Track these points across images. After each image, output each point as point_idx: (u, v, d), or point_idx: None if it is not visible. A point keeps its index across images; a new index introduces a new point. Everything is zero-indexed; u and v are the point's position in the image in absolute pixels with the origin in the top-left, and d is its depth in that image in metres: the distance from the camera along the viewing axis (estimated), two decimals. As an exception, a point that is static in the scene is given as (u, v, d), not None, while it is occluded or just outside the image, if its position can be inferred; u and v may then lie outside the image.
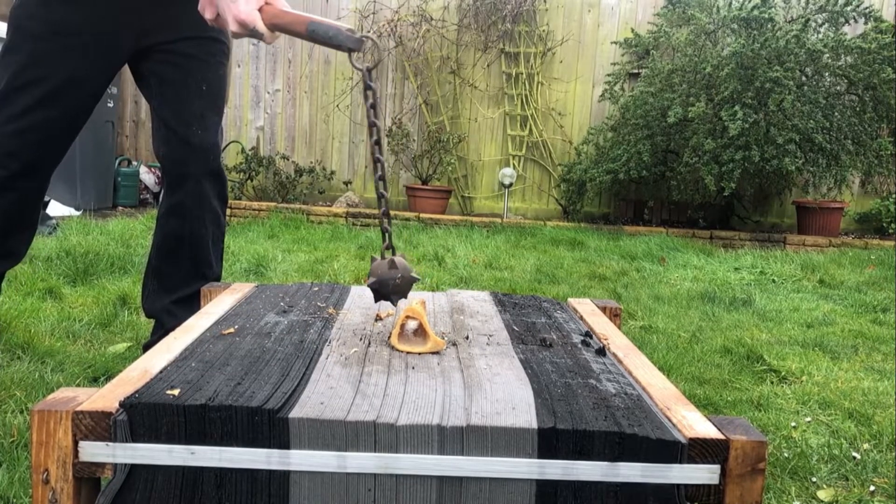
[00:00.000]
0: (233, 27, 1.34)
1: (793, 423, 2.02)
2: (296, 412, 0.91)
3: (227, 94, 2.11)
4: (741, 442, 0.91)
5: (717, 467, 0.91)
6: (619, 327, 1.59)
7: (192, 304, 2.03)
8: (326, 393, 0.98)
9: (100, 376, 2.07)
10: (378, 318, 1.40)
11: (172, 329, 1.98)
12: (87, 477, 0.92)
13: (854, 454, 1.83)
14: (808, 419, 2.07)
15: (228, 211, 6.14)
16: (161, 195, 2.10)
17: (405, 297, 1.25)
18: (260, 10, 1.31)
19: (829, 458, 1.81)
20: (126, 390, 0.95)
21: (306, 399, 0.95)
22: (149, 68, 2.00)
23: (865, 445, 1.91)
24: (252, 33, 1.33)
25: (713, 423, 0.96)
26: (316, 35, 1.23)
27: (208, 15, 1.42)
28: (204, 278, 2.09)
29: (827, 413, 2.13)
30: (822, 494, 1.63)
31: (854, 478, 1.72)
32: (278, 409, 0.90)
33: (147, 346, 2.11)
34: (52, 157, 1.93)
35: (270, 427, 0.90)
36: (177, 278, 2.10)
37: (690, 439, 0.91)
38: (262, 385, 0.98)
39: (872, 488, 1.67)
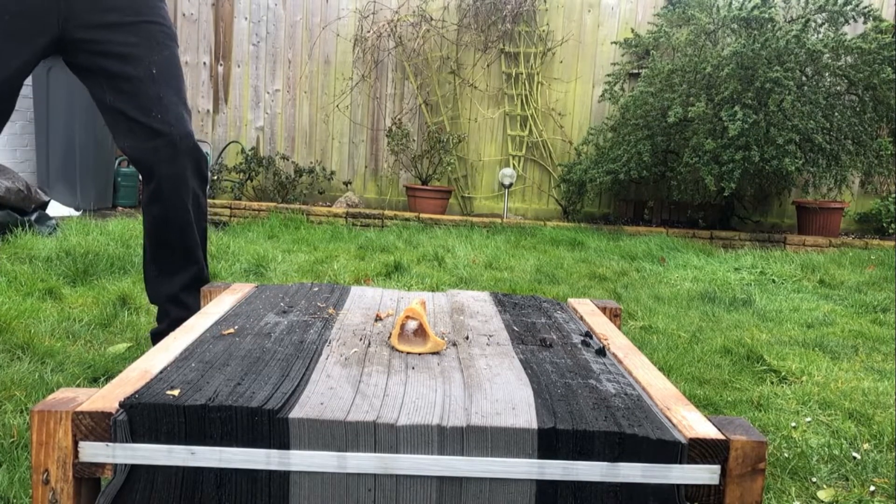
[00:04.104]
0: None
1: (793, 423, 2.02)
2: (296, 412, 0.91)
3: (182, 74, 2.07)
4: (741, 442, 0.91)
5: (717, 467, 0.91)
6: (619, 327, 1.60)
7: (193, 290, 2.06)
8: (326, 393, 0.97)
9: (100, 376, 2.07)
10: (378, 319, 1.40)
11: (179, 318, 1.97)
12: (87, 477, 0.92)
13: (854, 454, 1.83)
14: (808, 419, 2.07)
15: (228, 211, 6.15)
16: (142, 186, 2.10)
17: None
18: None
19: (829, 458, 1.81)
20: (126, 391, 0.95)
21: (306, 399, 0.95)
22: (92, 62, 1.96)
23: (865, 445, 1.91)
24: None
25: (713, 424, 0.96)
26: None
27: None
28: (195, 262, 2.11)
29: (827, 413, 2.13)
30: (822, 494, 1.63)
31: (854, 478, 1.72)
32: (278, 410, 0.90)
33: (155, 334, 2.14)
34: None
35: (270, 427, 0.90)
36: (173, 263, 2.12)
37: (690, 439, 0.91)
38: (262, 385, 0.98)
39: (872, 488, 1.67)
